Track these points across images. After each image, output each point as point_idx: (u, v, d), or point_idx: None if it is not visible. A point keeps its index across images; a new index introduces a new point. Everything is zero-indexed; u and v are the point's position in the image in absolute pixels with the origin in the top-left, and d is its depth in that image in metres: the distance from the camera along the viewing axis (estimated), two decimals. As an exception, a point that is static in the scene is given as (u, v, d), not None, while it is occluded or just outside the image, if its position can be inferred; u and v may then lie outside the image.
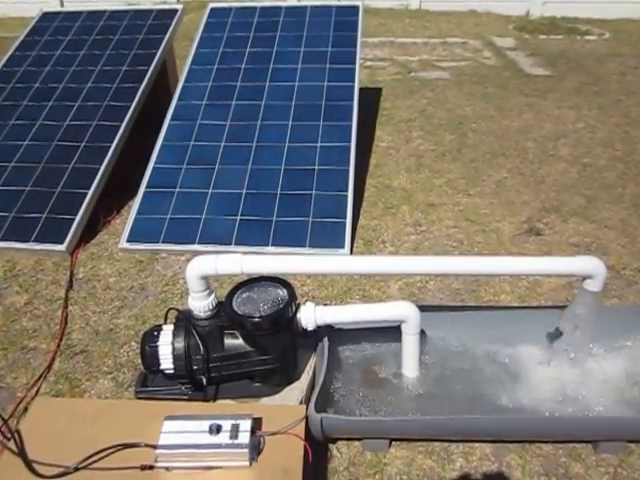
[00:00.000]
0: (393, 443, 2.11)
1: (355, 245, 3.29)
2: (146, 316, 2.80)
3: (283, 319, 2.08)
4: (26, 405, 2.25)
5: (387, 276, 2.99)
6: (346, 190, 3.41)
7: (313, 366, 2.29)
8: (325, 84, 4.00)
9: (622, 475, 2.00)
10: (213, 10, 4.64)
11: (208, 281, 2.10)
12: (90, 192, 3.43)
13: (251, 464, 1.79)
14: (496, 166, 4.19)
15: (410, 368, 2.29)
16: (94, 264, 3.21)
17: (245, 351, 2.10)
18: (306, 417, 1.96)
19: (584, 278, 2.16)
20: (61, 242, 3.22)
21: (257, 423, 1.90)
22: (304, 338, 2.25)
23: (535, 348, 2.38)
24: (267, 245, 3.20)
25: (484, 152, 4.41)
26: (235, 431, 1.80)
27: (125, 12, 4.70)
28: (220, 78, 4.14)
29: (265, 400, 2.14)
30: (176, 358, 2.06)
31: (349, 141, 3.64)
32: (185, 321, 2.12)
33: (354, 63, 4.09)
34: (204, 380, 2.11)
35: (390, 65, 6.64)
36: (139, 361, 2.18)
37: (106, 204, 3.61)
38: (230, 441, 1.78)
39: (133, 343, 2.62)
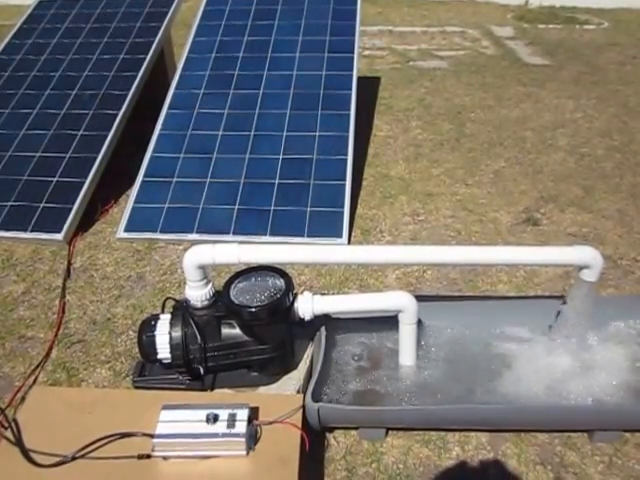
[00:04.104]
0: (390, 432, 2.12)
1: (353, 235, 3.29)
2: (144, 305, 2.81)
3: (280, 309, 2.09)
4: (24, 394, 2.25)
5: (385, 266, 2.99)
6: (344, 179, 3.41)
7: (310, 355, 2.29)
8: (323, 73, 3.98)
9: (617, 464, 2.01)
10: (211, -2, 4.62)
11: (205, 270, 2.10)
12: (87, 181, 3.42)
13: (248, 453, 1.80)
14: (494, 156, 4.19)
15: (407, 357, 2.29)
16: (92, 253, 3.21)
17: (242, 340, 2.11)
18: (303, 406, 1.97)
19: (581, 268, 2.16)
20: (58, 231, 3.22)
21: (254, 412, 1.91)
22: (301, 327, 2.25)
23: (532, 337, 2.38)
24: (265, 234, 3.19)
25: (482, 142, 4.41)
26: (232, 420, 1.81)
27: None
28: (218, 66, 4.12)
29: (262, 389, 2.15)
30: (173, 347, 2.07)
31: (347, 130, 3.63)
32: (182, 310, 2.12)
33: (352, 52, 4.07)
34: (201, 369, 2.11)
35: (388, 54, 6.62)
36: (137, 350, 2.18)
37: (104, 193, 3.61)
38: (227, 430, 1.79)
39: (131, 332, 2.63)
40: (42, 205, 3.35)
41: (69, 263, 3.12)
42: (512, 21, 7.98)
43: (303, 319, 2.17)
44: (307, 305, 2.15)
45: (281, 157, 3.55)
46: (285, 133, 3.67)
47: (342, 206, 3.29)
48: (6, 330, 2.67)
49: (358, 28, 4.23)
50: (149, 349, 2.09)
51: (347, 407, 2.08)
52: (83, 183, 3.42)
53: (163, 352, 2.08)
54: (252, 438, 1.84)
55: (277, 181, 3.43)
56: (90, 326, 2.69)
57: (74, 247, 3.25)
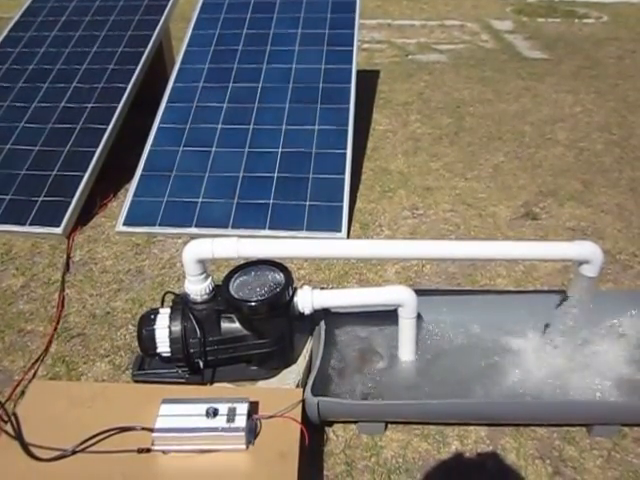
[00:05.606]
0: (389, 426, 2.13)
1: (352, 229, 3.29)
2: (143, 299, 2.81)
3: (280, 303, 2.09)
4: (23, 388, 2.25)
5: (384, 260, 2.99)
6: (343, 173, 3.40)
7: (310, 349, 2.29)
8: (323, 66, 3.98)
9: (615, 458, 2.02)
10: (210, -9, 4.60)
11: (205, 265, 2.10)
12: (86, 175, 3.42)
13: (248, 447, 1.81)
14: (493, 150, 4.19)
15: (406, 352, 2.30)
16: (91, 247, 3.21)
17: (242, 335, 2.11)
18: (303, 400, 1.97)
19: (580, 263, 2.16)
20: (58, 225, 3.22)
21: (254, 406, 1.91)
22: (301, 322, 2.25)
23: (531, 332, 2.39)
24: (264, 228, 3.19)
25: (481, 136, 4.40)
26: (232, 414, 1.81)
27: (121, -7, 4.66)
28: (217, 60, 4.11)
29: (262, 383, 2.15)
30: (173, 341, 2.07)
31: (346, 124, 3.63)
32: (182, 305, 2.12)
33: (352, 45, 4.06)
34: (201, 363, 2.11)
35: (387, 48, 6.60)
36: (136, 344, 2.18)
37: (103, 187, 3.60)
38: (227, 424, 1.79)
39: (130, 326, 2.63)
40: (41, 199, 3.34)
41: (68, 257, 3.12)
42: (511, 14, 7.96)
43: (303, 313, 2.17)
44: (307, 299, 2.15)
45: (280, 151, 3.54)
46: (284, 127, 3.66)
47: (341, 200, 3.29)
48: (5, 324, 2.67)
49: (357, 21, 4.22)
50: (148, 343, 2.09)
51: (346, 401, 2.08)
52: (82, 177, 3.41)
53: (162, 346, 2.08)
54: (252, 432, 1.85)
55: (276, 175, 3.43)
56: (89, 320, 2.69)
57: (73, 241, 3.24)
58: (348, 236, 3.20)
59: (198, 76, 4.02)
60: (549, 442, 2.08)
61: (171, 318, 2.09)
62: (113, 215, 3.46)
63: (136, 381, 2.18)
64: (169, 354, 2.09)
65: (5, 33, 4.46)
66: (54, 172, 3.46)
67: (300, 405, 1.96)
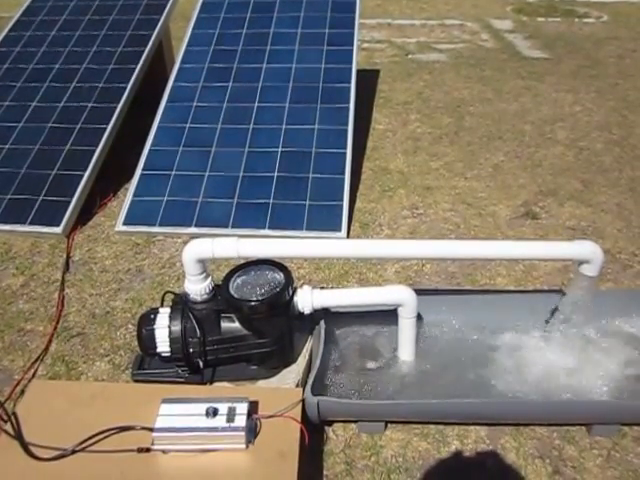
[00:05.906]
0: (389, 425, 2.13)
1: (352, 228, 3.29)
2: (143, 299, 2.81)
3: (280, 303, 2.09)
4: (23, 388, 2.25)
5: (384, 259, 2.99)
6: (343, 173, 3.40)
7: (310, 349, 2.29)
8: (322, 66, 3.97)
9: (615, 457, 2.02)
10: (209, -10, 4.60)
11: (205, 264, 2.10)
12: (86, 174, 3.41)
13: (247, 447, 1.80)
14: (493, 149, 4.19)
15: (406, 351, 2.30)
16: (90, 246, 3.21)
17: (242, 334, 2.11)
18: (303, 400, 1.97)
19: (581, 263, 2.16)
20: (57, 224, 3.22)
21: (254, 406, 1.91)
22: (301, 321, 2.25)
23: (531, 331, 2.39)
24: (264, 228, 3.19)
25: (481, 135, 4.40)
26: (232, 414, 1.81)
27: (121, -8, 4.66)
28: (217, 59, 4.11)
29: (262, 383, 2.15)
30: (173, 341, 2.07)
31: (346, 124, 3.63)
32: (182, 304, 2.12)
33: (352, 45, 4.06)
34: (201, 363, 2.11)
35: (387, 47, 6.60)
36: (136, 344, 2.18)
37: (103, 186, 3.60)
38: (227, 424, 1.79)
39: (130, 326, 2.63)
40: (41, 198, 3.34)
41: (68, 256, 3.11)
42: (511, 14, 7.95)
43: (302, 313, 2.17)
44: (306, 299, 2.15)
45: (280, 150, 3.54)
46: (284, 126, 3.66)
47: (341, 199, 3.29)
48: (5, 323, 2.67)
49: (357, 21, 4.22)
50: (148, 343, 2.09)
51: (346, 401, 2.08)
52: (82, 176, 3.41)
53: (162, 346, 2.08)
54: (252, 432, 1.84)
55: (276, 174, 3.42)
56: (89, 319, 2.69)
57: (73, 240, 3.24)
58: (348, 236, 3.20)
59: (198, 76, 4.02)
60: (549, 441, 2.08)
61: (171, 318, 2.09)
62: (113, 215, 3.46)
63: (136, 380, 2.18)
64: (169, 354, 2.09)
65: (5, 32, 4.46)
66: (54, 171, 3.46)
67: (300, 405, 1.96)
